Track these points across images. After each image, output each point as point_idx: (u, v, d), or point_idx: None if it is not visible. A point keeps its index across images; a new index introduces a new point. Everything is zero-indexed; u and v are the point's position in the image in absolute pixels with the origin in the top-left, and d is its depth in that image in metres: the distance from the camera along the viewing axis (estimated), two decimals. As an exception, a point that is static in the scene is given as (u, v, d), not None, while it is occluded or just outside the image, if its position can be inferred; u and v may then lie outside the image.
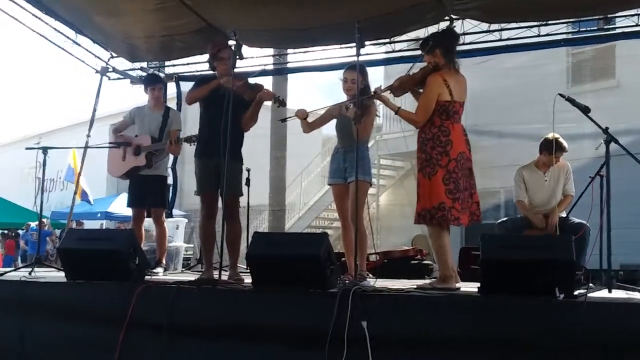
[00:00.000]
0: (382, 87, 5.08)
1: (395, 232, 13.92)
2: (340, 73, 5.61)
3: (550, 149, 6.20)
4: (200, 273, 5.92)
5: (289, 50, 9.48)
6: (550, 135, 6.25)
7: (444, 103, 4.81)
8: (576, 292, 4.01)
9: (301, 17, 7.27)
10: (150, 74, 8.47)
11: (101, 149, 7.08)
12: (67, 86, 59.45)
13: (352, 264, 4.99)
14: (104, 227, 16.94)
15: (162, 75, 9.00)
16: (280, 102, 5.67)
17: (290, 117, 5.61)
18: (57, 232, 17.11)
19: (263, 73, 9.37)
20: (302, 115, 5.54)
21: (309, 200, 17.63)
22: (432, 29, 7.55)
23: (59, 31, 8.35)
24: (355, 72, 5.26)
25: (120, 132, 6.77)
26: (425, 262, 7.70)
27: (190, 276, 6.22)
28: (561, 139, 6.27)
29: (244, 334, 4.41)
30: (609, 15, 7.41)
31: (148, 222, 6.90)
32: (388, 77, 9.15)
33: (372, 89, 5.19)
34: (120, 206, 15.96)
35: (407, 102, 5.36)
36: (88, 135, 8.39)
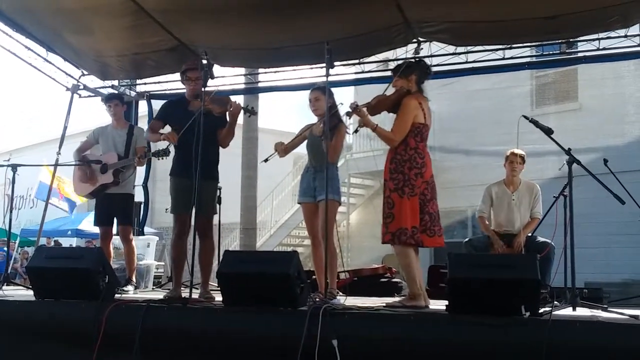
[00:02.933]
0: (360, 104, 5.14)
1: (365, 250, 13.97)
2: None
3: (513, 153, 6.49)
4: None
5: (260, 70, 9.57)
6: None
7: (418, 125, 4.92)
8: (541, 310, 4.10)
9: (272, 37, 7.34)
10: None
11: (71, 167, 7.04)
12: (37, 103, 58.68)
13: (323, 282, 5.03)
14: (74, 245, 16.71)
15: (126, 93, 9.08)
16: (250, 111, 5.72)
17: (271, 155, 5.71)
18: (28, 250, 16.87)
19: (234, 92, 9.44)
20: (280, 147, 5.65)
21: (280, 218, 17.60)
22: (400, 51, 7.73)
23: (29, 49, 8.31)
24: (319, 91, 5.37)
25: (83, 151, 6.79)
26: (395, 280, 7.76)
27: (161, 294, 6.20)
28: (520, 151, 6.49)
29: (214, 352, 4.42)
30: (571, 40, 7.64)
31: (118, 240, 6.89)
32: (358, 97, 9.26)
33: (349, 106, 5.21)
34: (90, 224, 15.73)
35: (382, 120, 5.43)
36: (58, 153, 8.33)
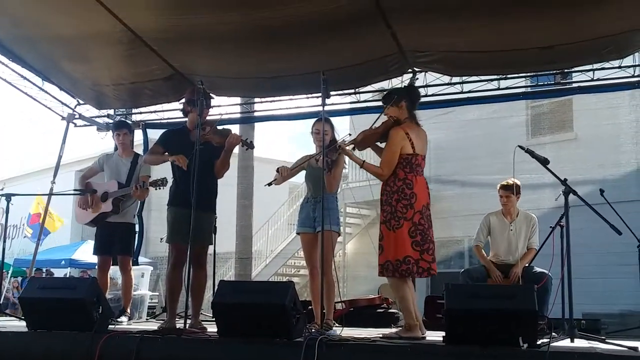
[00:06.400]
0: (346, 141, 5.16)
1: (361, 280, 13.90)
2: (307, 124, 5.71)
3: (502, 188, 6.48)
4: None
5: (256, 99, 9.60)
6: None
7: (406, 156, 4.90)
8: (539, 342, 4.06)
9: (268, 66, 7.39)
10: (118, 120, 8.47)
11: (65, 196, 7.01)
12: (32, 132, 58.88)
13: (319, 313, 4.98)
14: (68, 275, 16.55)
15: (129, 121, 9.02)
16: (248, 144, 5.69)
17: (274, 180, 5.67)
18: (19, 279, 16.74)
19: (230, 121, 9.46)
20: (285, 171, 5.60)
21: (276, 248, 17.53)
22: (396, 81, 7.77)
23: (25, 78, 8.35)
24: (326, 124, 5.38)
25: (88, 179, 6.73)
26: (391, 310, 7.71)
27: (155, 325, 6.13)
28: (512, 181, 6.48)
29: (208, 384, 4.36)
30: (566, 70, 7.70)
31: (113, 270, 6.81)
32: (354, 128, 9.30)
33: (335, 145, 5.27)
34: (85, 254, 15.68)
35: (371, 154, 5.43)
36: (53, 182, 8.30)
